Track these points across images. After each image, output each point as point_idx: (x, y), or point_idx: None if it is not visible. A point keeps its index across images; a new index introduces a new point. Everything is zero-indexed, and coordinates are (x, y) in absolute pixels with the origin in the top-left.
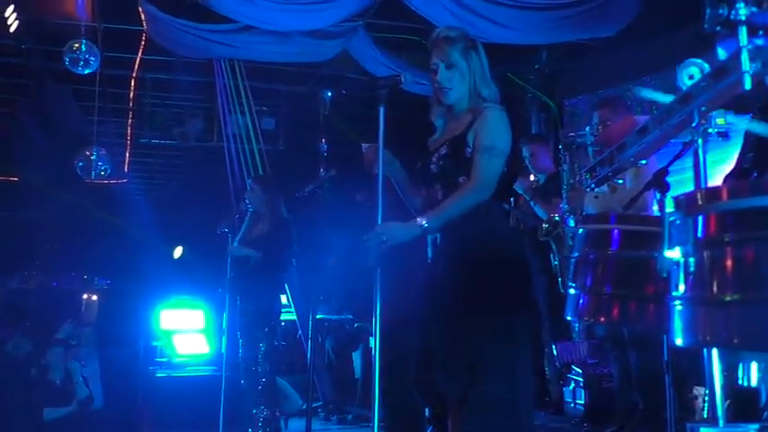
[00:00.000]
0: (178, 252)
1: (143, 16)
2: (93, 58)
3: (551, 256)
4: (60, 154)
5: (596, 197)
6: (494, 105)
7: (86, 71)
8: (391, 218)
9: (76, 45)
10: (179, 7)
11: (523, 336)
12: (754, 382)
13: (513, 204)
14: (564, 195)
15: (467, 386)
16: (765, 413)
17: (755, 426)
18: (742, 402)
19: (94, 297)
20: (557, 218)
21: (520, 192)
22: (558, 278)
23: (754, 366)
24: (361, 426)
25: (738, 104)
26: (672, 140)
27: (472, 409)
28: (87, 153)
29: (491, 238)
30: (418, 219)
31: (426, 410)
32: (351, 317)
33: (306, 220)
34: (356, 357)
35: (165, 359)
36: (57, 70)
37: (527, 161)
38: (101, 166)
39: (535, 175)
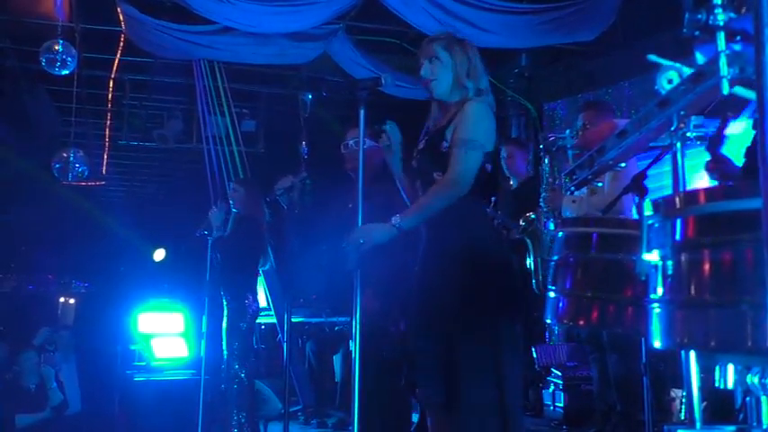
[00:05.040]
0: (160, 255)
1: (121, 17)
2: (70, 59)
3: (526, 254)
4: (37, 155)
5: (574, 201)
6: (477, 99)
7: (63, 72)
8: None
9: (53, 45)
10: (158, 8)
11: (509, 339)
12: (730, 385)
13: (492, 205)
14: (542, 196)
15: (446, 391)
16: (741, 415)
17: (732, 428)
18: (719, 404)
19: (71, 300)
20: (532, 216)
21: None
22: (533, 279)
23: (730, 368)
24: (341, 430)
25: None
26: (651, 144)
27: (454, 414)
28: (65, 154)
29: (474, 241)
30: (393, 218)
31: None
32: (332, 319)
33: (283, 224)
34: (336, 361)
35: (143, 363)
36: (33, 71)
37: (503, 162)
38: (78, 167)
39: (510, 179)
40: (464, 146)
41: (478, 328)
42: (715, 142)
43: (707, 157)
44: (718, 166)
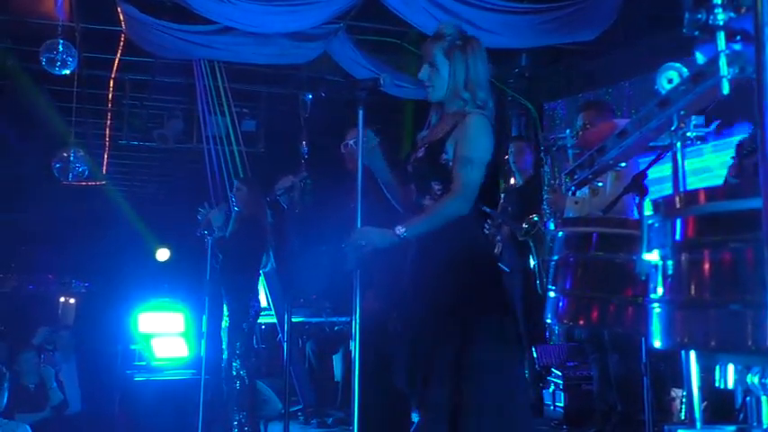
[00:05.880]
0: (164, 254)
1: (122, 17)
2: (70, 59)
3: (530, 256)
4: (37, 154)
5: (576, 202)
6: (477, 111)
7: (64, 71)
8: (377, 221)
9: (54, 45)
10: (158, 8)
11: (501, 339)
12: (730, 384)
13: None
14: (544, 197)
15: (423, 392)
16: (741, 415)
17: (732, 427)
18: (719, 404)
19: (72, 300)
20: (535, 218)
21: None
22: (537, 280)
23: (730, 368)
24: (341, 429)
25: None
26: (651, 144)
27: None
28: (65, 154)
29: (461, 245)
30: (397, 228)
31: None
32: (332, 319)
33: (284, 224)
34: (336, 360)
35: (143, 363)
36: (34, 70)
37: (512, 158)
38: (78, 167)
39: (515, 177)
40: (469, 164)
41: (468, 330)
42: (747, 148)
43: (728, 161)
44: (741, 172)
